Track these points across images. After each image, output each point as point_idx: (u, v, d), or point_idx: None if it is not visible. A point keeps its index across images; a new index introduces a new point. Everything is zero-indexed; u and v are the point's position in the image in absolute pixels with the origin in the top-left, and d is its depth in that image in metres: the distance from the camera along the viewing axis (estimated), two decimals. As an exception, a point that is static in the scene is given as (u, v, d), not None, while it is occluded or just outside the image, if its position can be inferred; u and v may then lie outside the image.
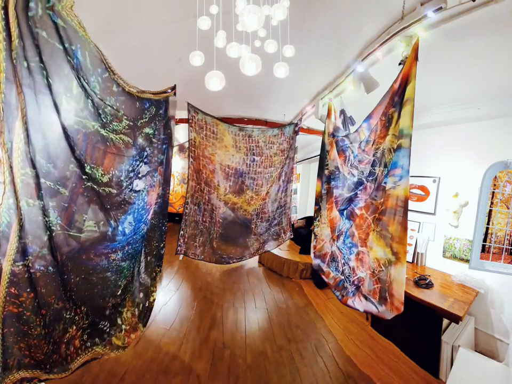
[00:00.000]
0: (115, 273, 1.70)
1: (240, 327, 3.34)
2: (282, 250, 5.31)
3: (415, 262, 3.54)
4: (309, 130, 3.91)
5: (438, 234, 3.44)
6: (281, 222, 3.12)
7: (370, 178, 2.15)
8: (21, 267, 1.22)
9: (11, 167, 1.16)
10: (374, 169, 2.11)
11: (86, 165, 1.44)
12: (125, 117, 1.65)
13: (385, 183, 1.91)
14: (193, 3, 1.47)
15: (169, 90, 2.00)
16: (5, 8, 1.08)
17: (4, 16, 1.07)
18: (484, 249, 3.81)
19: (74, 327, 1.50)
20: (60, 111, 1.30)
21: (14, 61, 1.11)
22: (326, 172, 2.65)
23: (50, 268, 1.32)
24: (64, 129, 1.32)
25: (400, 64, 1.82)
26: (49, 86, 1.24)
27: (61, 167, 1.34)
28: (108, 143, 1.56)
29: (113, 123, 1.57)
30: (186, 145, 2.47)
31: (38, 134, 1.24)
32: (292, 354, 2.84)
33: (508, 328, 2.70)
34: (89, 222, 1.52)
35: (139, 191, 1.81)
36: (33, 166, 1.22)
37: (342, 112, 2.91)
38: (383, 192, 1.91)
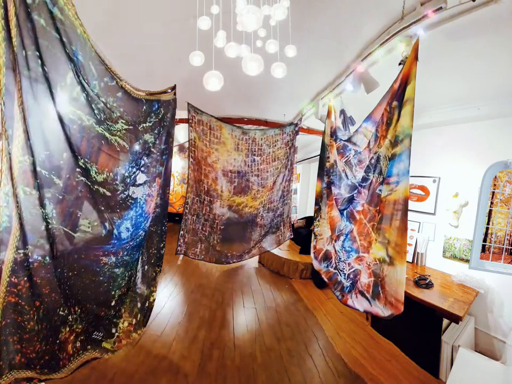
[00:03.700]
0: (107, 279, 1.68)
1: (229, 327, 3.33)
2: (282, 250, 5.32)
3: (415, 262, 3.54)
4: (309, 130, 3.91)
5: (438, 234, 3.44)
6: (283, 213, 3.11)
7: (364, 184, 2.14)
8: (22, 255, 1.23)
9: (9, 154, 1.17)
10: (368, 175, 2.10)
11: (80, 157, 1.44)
12: (122, 120, 1.64)
13: (380, 190, 1.90)
14: (193, 3, 1.47)
15: (169, 91, 2.00)
16: None
17: (2, 5, 1.08)
18: (484, 249, 3.82)
19: (68, 329, 1.49)
20: (55, 100, 1.30)
21: (15, 49, 1.12)
22: (327, 165, 2.65)
23: (47, 258, 1.33)
24: (60, 117, 1.33)
25: (400, 64, 1.82)
26: (45, 75, 1.24)
27: (56, 155, 1.34)
28: (102, 141, 1.55)
29: (108, 122, 1.57)
30: (186, 145, 2.46)
31: (36, 122, 1.24)
32: (280, 354, 2.82)
33: (507, 328, 2.70)
34: (84, 220, 1.52)
35: (136, 198, 1.80)
36: (32, 154, 1.23)
37: (342, 112, 2.91)
38: (378, 200, 1.90)
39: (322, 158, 2.73)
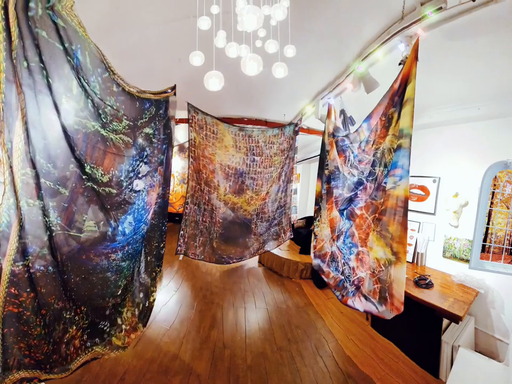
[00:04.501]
0: (115, 273, 1.70)
1: (240, 327, 3.34)
2: (282, 250, 5.31)
3: (415, 262, 3.54)
4: (309, 130, 3.91)
5: (438, 234, 3.44)
6: (281, 222, 3.13)
7: (370, 178, 2.15)
8: (21, 267, 1.22)
9: (11, 167, 1.16)
10: (374, 169, 2.11)
11: (86, 165, 1.44)
12: (125, 117, 1.65)
13: (385, 183, 1.91)
14: (193, 3, 1.47)
15: (169, 90, 2.00)
16: (5, 8, 1.08)
17: (4, 16, 1.08)
18: (484, 249, 3.81)
19: (74, 327, 1.50)
20: (60, 111, 1.30)
21: (14, 61, 1.12)
22: (326, 171, 2.65)
23: (50, 268, 1.32)
24: (64, 129, 1.33)
25: (400, 64, 1.82)
26: (49, 86, 1.24)
27: (61, 167, 1.34)
28: (107, 143, 1.56)
29: (113, 123, 1.58)
30: (186, 145, 2.47)
31: (38, 134, 1.24)
32: (292, 355, 2.84)
33: (507, 328, 2.70)
34: (89, 222, 1.52)
35: (139, 191, 1.81)
36: (33, 166, 1.23)
37: (342, 112, 2.91)
38: (383, 192, 1.91)
39: (323, 158, 2.73)
